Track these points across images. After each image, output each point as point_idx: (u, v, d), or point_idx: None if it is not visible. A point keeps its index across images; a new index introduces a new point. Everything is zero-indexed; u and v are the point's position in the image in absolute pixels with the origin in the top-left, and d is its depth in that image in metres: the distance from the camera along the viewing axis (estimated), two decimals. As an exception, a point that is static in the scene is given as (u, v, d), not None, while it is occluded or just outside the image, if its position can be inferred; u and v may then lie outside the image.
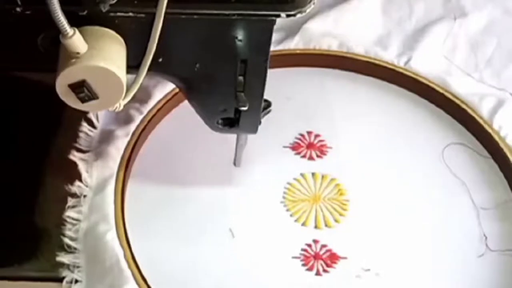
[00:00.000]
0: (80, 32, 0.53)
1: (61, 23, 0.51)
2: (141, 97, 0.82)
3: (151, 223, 0.75)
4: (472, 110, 0.85)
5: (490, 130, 0.83)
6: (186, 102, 0.68)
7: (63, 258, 0.70)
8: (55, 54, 0.55)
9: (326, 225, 0.77)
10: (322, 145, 0.84)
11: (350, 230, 0.77)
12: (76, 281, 0.69)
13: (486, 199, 0.79)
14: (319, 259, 0.74)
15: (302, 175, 0.81)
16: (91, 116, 0.81)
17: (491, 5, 0.98)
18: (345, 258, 0.74)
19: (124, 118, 0.81)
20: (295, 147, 0.84)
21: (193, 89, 0.65)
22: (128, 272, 0.69)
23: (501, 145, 0.82)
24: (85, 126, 0.80)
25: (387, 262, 0.74)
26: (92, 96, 0.55)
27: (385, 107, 0.88)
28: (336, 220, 0.77)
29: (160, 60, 0.59)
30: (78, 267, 0.69)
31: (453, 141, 0.85)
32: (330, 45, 0.91)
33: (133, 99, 0.60)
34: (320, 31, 0.92)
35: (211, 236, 0.75)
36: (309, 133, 0.85)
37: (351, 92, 0.89)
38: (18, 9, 0.53)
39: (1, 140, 0.79)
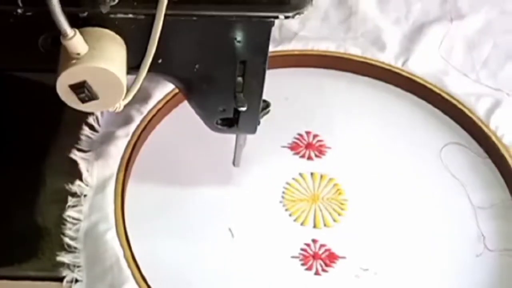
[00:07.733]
0: (81, 33, 0.53)
1: (62, 24, 0.51)
2: (141, 97, 0.82)
3: (151, 222, 0.75)
4: (469, 110, 0.86)
5: (487, 130, 0.84)
6: (186, 102, 0.69)
7: (63, 257, 0.70)
8: (55, 55, 0.55)
9: (325, 225, 0.77)
10: (320, 145, 0.84)
11: (348, 230, 0.77)
12: (77, 280, 0.69)
13: (483, 198, 0.80)
14: (318, 258, 0.74)
15: (300, 175, 0.81)
16: (92, 121, 0.81)
17: (487, 6, 0.98)
18: (344, 257, 0.74)
19: (124, 119, 0.82)
20: (293, 147, 0.84)
21: (193, 89, 0.65)
22: (128, 272, 0.69)
23: (498, 145, 0.82)
24: (86, 130, 0.80)
25: (385, 261, 0.74)
26: (93, 96, 0.56)
27: (383, 108, 0.88)
28: (334, 220, 0.78)
29: (160, 61, 0.59)
30: (78, 266, 0.70)
31: (451, 141, 0.85)
32: (327, 46, 0.92)
33: (133, 99, 0.61)
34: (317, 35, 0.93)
35: (210, 235, 0.75)
36: (307, 133, 0.85)
37: (349, 93, 0.90)
38: (19, 10, 0.54)
39: (1, 140, 0.79)
